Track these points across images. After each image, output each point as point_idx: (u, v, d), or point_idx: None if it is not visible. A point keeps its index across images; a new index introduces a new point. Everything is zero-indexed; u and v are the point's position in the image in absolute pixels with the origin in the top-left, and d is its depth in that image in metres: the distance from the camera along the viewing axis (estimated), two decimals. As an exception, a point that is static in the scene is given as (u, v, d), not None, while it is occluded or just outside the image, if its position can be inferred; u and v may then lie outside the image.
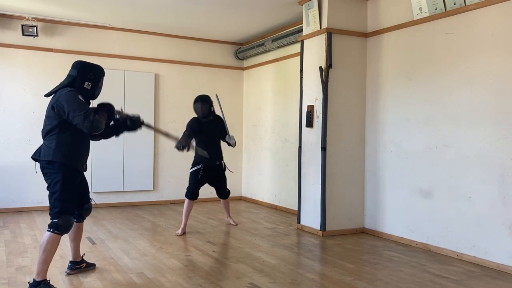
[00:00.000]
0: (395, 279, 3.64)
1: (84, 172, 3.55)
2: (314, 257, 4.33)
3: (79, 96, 3.25)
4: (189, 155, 7.03)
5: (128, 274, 3.69)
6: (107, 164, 6.98)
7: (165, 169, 7.53)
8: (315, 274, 3.78)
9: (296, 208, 5.92)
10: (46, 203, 6.62)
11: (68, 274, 3.64)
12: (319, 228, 5.21)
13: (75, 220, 3.61)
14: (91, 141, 3.58)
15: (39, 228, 5.40)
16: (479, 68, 4.14)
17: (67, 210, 3.24)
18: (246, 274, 3.70)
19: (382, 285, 3.48)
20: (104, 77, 3.56)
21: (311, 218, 5.36)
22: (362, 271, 3.85)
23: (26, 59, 6.62)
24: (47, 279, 3.21)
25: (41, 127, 3.44)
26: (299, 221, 5.59)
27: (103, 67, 3.57)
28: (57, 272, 3.69)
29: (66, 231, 3.26)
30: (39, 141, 6.50)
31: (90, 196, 3.73)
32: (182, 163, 7.19)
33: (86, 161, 3.49)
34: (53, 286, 3.21)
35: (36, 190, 6.63)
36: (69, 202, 3.26)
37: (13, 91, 6.54)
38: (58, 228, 3.18)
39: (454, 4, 4.30)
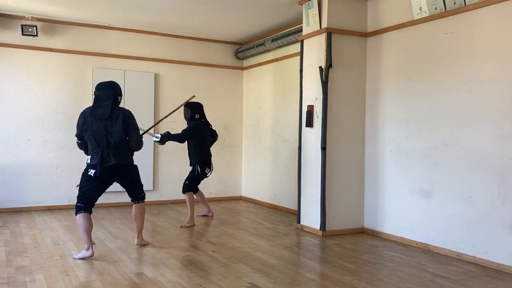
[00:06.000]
0: (395, 279, 3.64)
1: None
2: (314, 257, 4.33)
3: None
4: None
5: (128, 274, 3.69)
6: (107, 164, 6.96)
7: (165, 169, 7.53)
8: (315, 274, 3.78)
9: (296, 208, 5.92)
10: (45, 203, 6.71)
11: None
12: (319, 228, 5.21)
13: None
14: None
15: (39, 228, 5.39)
16: (479, 68, 4.14)
17: None
18: (246, 274, 3.70)
19: (382, 285, 3.48)
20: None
21: (311, 218, 5.36)
22: (362, 271, 3.84)
23: (26, 59, 6.61)
24: None
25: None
26: (299, 221, 5.59)
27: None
28: (56, 272, 3.69)
29: None
30: (38, 141, 6.62)
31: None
32: (182, 163, 7.19)
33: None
34: None
35: (35, 190, 6.64)
36: None
37: (12, 91, 6.53)
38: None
39: (454, 4, 4.30)
